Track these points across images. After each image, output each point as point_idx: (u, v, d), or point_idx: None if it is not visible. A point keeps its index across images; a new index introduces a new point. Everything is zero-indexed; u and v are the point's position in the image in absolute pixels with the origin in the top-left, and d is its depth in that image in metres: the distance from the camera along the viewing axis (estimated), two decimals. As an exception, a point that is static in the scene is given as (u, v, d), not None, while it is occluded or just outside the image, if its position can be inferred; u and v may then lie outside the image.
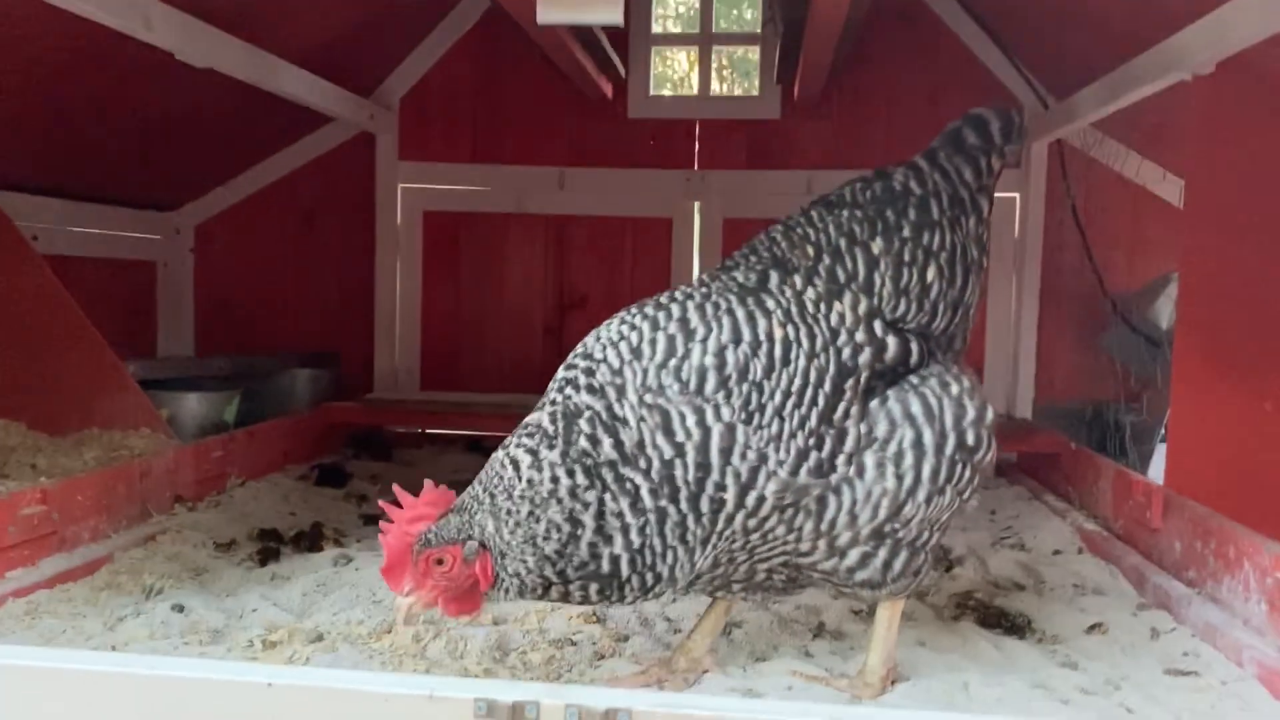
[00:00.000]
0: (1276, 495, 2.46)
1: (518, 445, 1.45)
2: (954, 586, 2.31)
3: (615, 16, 1.81)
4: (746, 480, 1.42)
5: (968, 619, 2.08)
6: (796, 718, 1.18)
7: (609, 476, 1.41)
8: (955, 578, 2.40)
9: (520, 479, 1.41)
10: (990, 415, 1.57)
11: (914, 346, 1.57)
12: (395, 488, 1.49)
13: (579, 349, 1.56)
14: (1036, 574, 2.46)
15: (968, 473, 1.54)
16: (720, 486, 1.41)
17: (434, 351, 4.16)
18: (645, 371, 1.45)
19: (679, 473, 1.41)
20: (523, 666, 1.75)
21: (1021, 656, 1.90)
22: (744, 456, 1.42)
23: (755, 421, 1.43)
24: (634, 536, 1.41)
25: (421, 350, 4.16)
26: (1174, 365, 2.59)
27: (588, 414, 1.43)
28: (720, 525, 1.44)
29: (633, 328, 1.51)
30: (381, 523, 1.45)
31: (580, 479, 1.41)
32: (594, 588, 1.42)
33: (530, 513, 1.39)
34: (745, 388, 1.43)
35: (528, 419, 1.51)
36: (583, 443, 1.42)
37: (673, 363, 1.45)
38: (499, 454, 1.47)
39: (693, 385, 1.43)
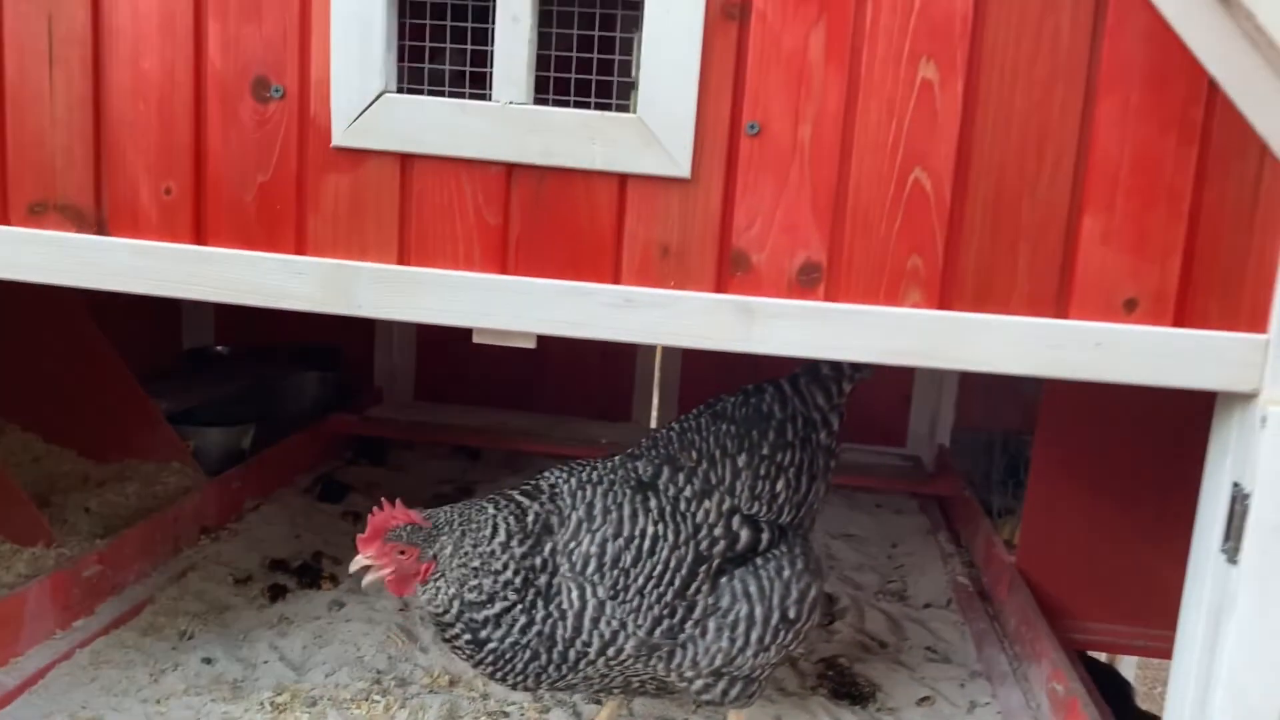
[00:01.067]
0: (1111, 581, 2.98)
1: (505, 515, 1.94)
2: (826, 649, 2.86)
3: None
4: (608, 640, 1.95)
5: (823, 690, 2.63)
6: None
7: (531, 595, 1.94)
8: (832, 634, 2.95)
9: (489, 543, 1.91)
10: (813, 593, 2.09)
11: (764, 535, 2.07)
12: (386, 504, 1.96)
13: (548, 479, 2.05)
14: (901, 631, 3.01)
15: (788, 636, 2.06)
16: (586, 644, 1.95)
17: (429, 343, 4.63)
18: (558, 543, 1.95)
19: (559, 631, 1.93)
20: (460, 737, 2.32)
21: (855, 730, 2.47)
22: (609, 624, 1.95)
23: (620, 598, 1.95)
24: (508, 643, 1.93)
25: (417, 346, 4.64)
26: (1032, 460, 3.08)
27: (548, 545, 1.95)
28: (582, 666, 1.97)
29: (563, 493, 2.00)
30: (372, 510, 1.95)
31: (517, 581, 1.94)
32: (464, 639, 1.94)
33: (476, 567, 1.92)
34: (615, 573, 1.95)
35: (522, 490, 2.01)
36: (535, 559, 1.94)
37: (571, 545, 1.95)
38: (490, 508, 1.95)
39: (578, 568, 1.94)
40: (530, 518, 1.96)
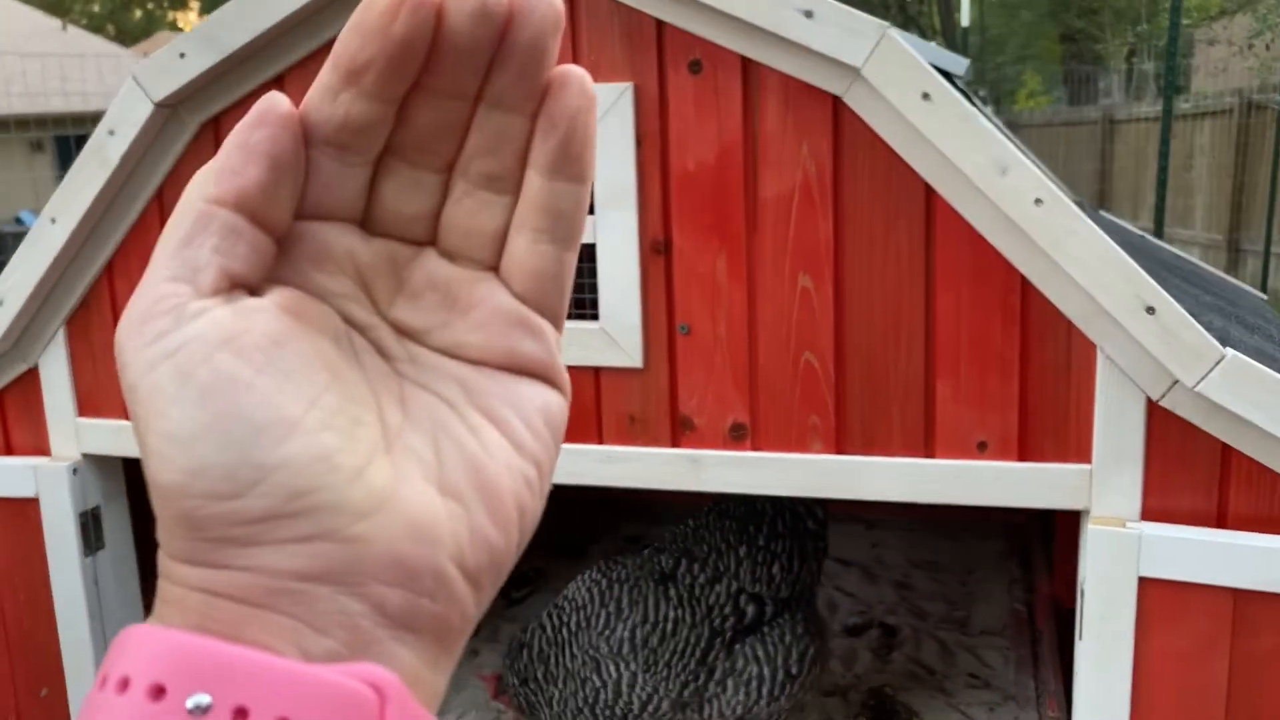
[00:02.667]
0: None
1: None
2: (878, 678, 3.33)
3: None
4: (646, 700, 2.54)
5: (863, 717, 3.12)
6: None
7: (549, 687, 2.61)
8: (886, 665, 3.42)
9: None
10: (811, 652, 2.60)
11: (768, 608, 2.61)
12: None
13: (567, 597, 2.69)
14: (951, 659, 3.44)
15: (793, 687, 2.59)
16: (629, 704, 2.54)
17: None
18: (592, 635, 2.57)
19: (603, 698, 2.54)
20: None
21: (884, 755, 2.95)
22: (643, 688, 2.53)
23: (651, 670, 2.53)
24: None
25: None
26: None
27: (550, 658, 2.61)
28: (632, 716, 2.57)
29: (590, 599, 2.62)
30: None
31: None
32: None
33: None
34: (645, 652, 2.53)
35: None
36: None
37: (607, 633, 2.56)
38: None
39: (615, 648, 2.54)
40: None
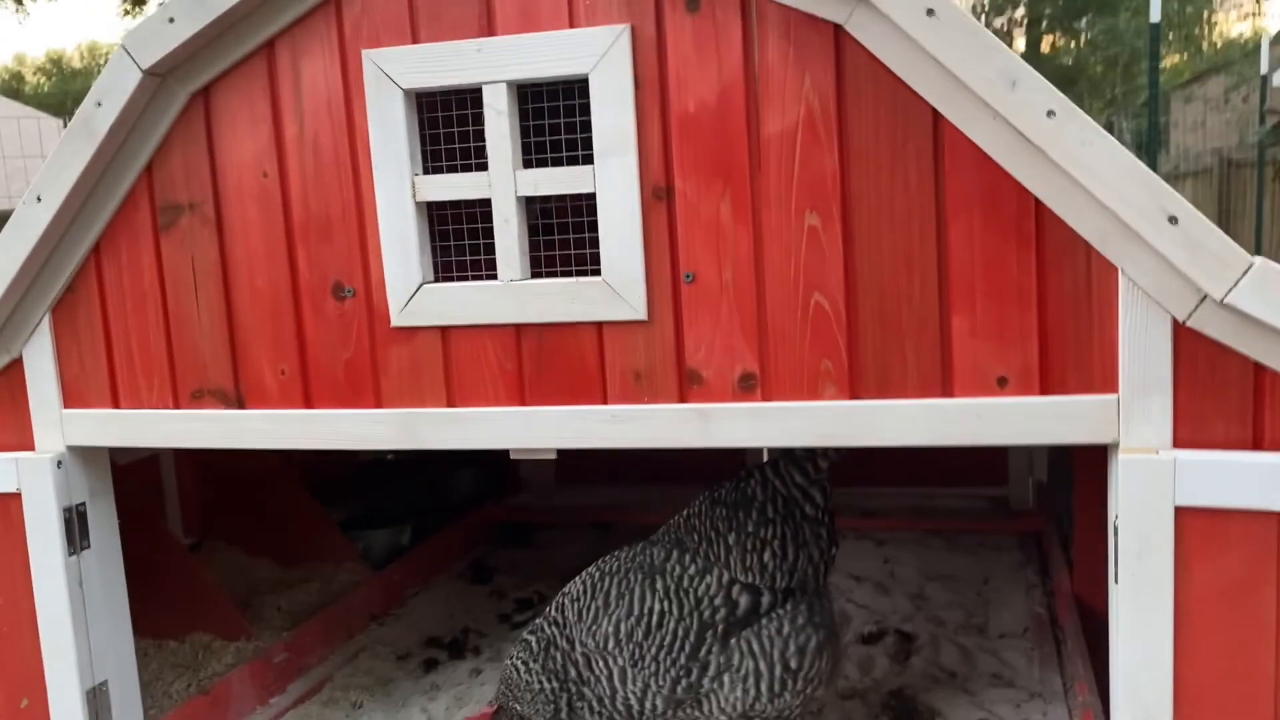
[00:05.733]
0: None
1: (518, 656, 2.56)
2: (896, 681, 3.20)
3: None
4: (640, 695, 2.42)
5: (885, 718, 2.98)
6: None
7: (569, 683, 2.49)
8: (905, 669, 3.29)
9: (522, 683, 2.52)
10: (813, 644, 2.46)
11: (764, 599, 2.49)
12: None
13: (565, 592, 2.58)
14: (972, 662, 3.31)
15: (796, 684, 2.45)
16: (626, 700, 2.42)
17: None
18: (582, 629, 2.46)
19: (602, 692, 2.42)
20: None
21: (907, 752, 2.81)
22: (634, 683, 2.42)
23: (638, 665, 2.42)
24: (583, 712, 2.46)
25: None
26: (1075, 490, 3.34)
27: (557, 652, 2.48)
28: (635, 714, 2.44)
29: (582, 592, 2.51)
30: None
31: (553, 684, 2.52)
32: None
33: (529, 699, 2.52)
34: (631, 646, 2.42)
35: (531, 627, 2.58)
36: (552, 662, 2.48)
37: (594, 628, 2.45)
38: (510, 659, 2.56)
39: (601, 644, 2.43)
40: (534, 641, 2.55)
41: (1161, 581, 1.84)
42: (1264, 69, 14.51)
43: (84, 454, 2.53)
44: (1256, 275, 1.72)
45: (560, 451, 5.30)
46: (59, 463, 2.47)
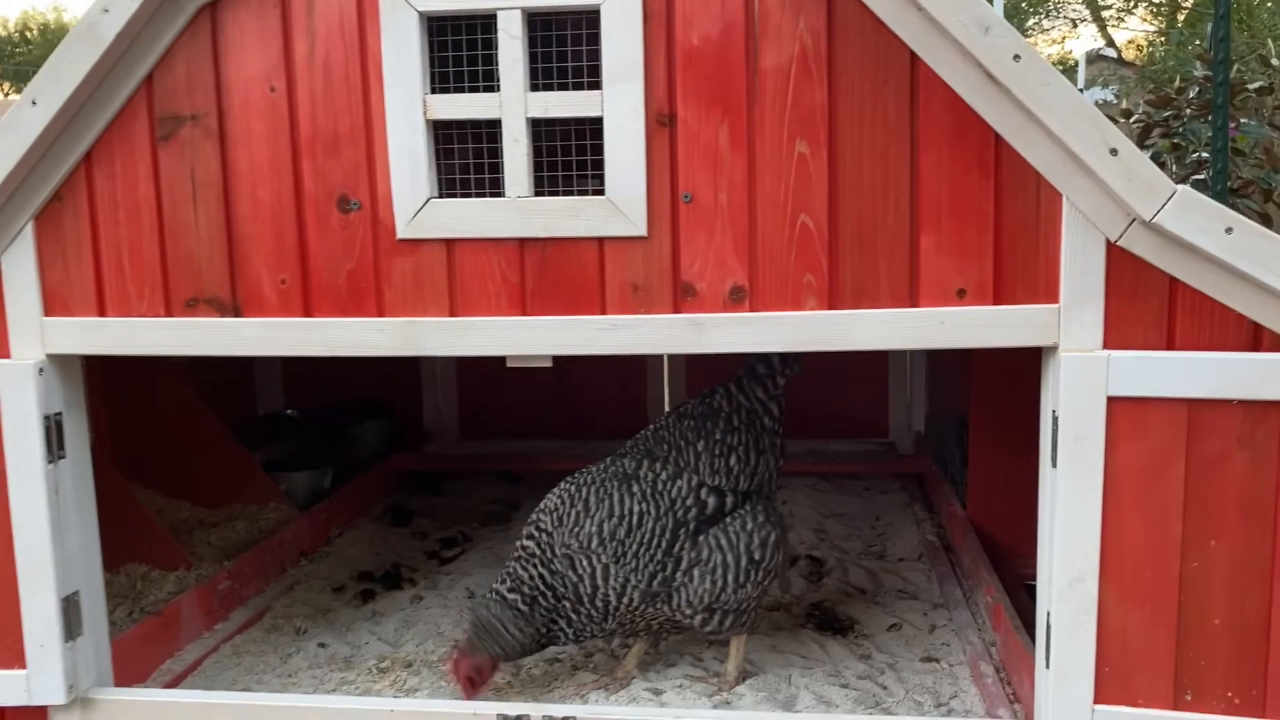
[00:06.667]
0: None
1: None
2: (814, 596, 3.50)
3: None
4: (620, 591, 2.63)
5: (810, 625, 3.27)
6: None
7: (551, 575, 2.65)
8: (819, 587, 3.59)
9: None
10: (773, 538, 2.73)
11: (728, 500, 2.74)
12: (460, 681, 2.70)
13: (540, 508, 2.76)
14: (878, 580, 3.65)
15: (759, 574, 2.71)
16: (605, 597, 2.62)
17: (468, 387, 5.34)
18: (564, 533, 2.65)
19: (583, 590, 2.62)
20: (529, 678, 2.97)
21: (835, 651, 3.09)
22: (615, 579, 2.62)
23: (620, 562, 2.63)
24: (565, 610, 2.64)
25: (458, 391, 5.35)
26: (970, 431, 3.73)
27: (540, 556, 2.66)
28: (611, 611, 2.64)
29: (560, 503, 2.70)
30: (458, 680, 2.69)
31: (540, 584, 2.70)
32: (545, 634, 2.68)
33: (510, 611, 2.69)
34: (614, 544, 2.63)
35: (514, 554, 2.73)
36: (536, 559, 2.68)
37: (576, 530, 2.64)
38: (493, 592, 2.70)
39: (585, 544, 2.63)
40: (511, 571, 2.76)
41: (1094, 461, 2.18)
42: (1079, 85, 15.79)
43: (61, 363, 2.54)
44: (1180, 200, 2.07)
45: (468, 404, 5.44)
46: (40, 370, 2.47)
